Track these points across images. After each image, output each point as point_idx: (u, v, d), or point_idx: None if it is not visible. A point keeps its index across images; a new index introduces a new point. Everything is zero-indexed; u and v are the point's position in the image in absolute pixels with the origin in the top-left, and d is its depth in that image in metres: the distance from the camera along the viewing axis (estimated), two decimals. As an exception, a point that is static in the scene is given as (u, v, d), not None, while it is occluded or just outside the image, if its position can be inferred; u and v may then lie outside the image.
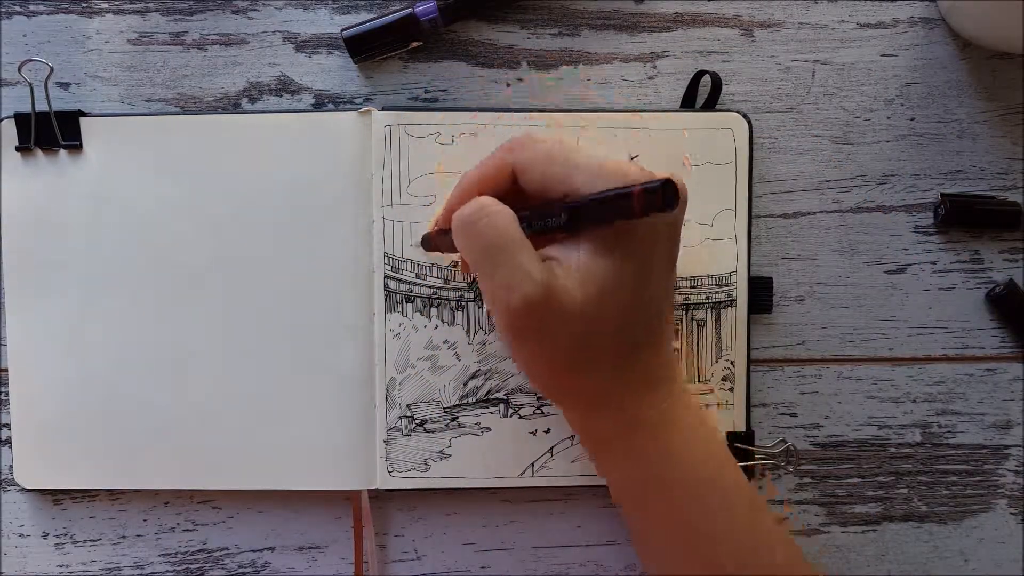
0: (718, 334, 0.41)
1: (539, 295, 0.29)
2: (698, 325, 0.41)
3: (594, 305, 0.30)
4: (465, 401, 0.40)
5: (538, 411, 0.40)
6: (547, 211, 0.30)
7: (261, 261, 0.40)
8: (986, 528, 0.43)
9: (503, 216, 0.30)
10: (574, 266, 0.30)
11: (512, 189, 0.32)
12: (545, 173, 0.31)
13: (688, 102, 0.41)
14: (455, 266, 0.40)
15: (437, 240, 0.37)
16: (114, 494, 0.42)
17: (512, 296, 0.29)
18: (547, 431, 0.40)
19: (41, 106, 0.39)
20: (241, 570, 0.42)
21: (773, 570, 0.33)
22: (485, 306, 0.38)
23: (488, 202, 0.30)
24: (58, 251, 0.40)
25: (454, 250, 0.36)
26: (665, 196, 0.27)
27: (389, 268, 0.40)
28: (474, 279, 0.40)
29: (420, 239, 0.39)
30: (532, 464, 0.40)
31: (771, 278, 0.41)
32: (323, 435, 0.40)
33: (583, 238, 0.30)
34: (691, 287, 0.40)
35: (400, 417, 0.40)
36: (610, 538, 0.42)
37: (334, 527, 0.42)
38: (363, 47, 0.40)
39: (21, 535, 0.42)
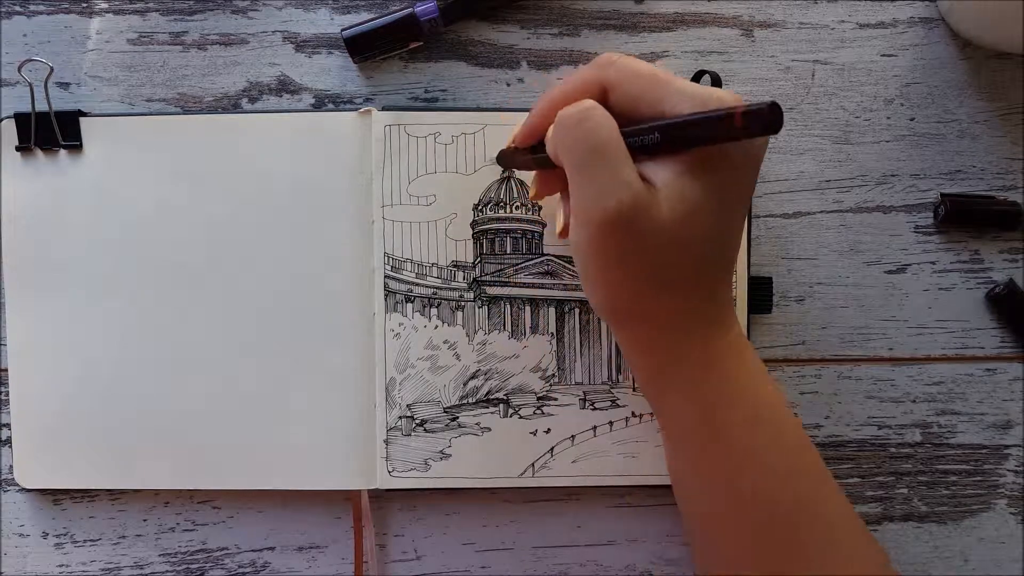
0: (718, 334, 0.41)
1: (634, 204, 0.28)
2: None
3: (680, 226, 0.29)
4: (465, 401, 0.40)
5: (538, 411, 0.40)
6: (642, 128, 0.29)
7: (261, 261, 0.40)
8: (986, 528, 0.43)
9: (608, 121, 0.29)
10: (664, 186, 0.29)
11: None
12: (638, 91, 0.30)
13: (688, 102, 0.41)
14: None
15: (514, 157, 0.36)
16: (114, 494, 0.42)
17: (608, 202, 0.28)
18: (547, 431, 0.40)
19: (41, 106, 0.39)
20: (241, 570, 0.42)
21: (821, 513, 0.32)
22: (559, 221, 0.35)
23: (594, 104, 0.29)
24: (58, 251, 0.40)
25: (529, 167, 0.35)
26: (771, 118, 0.26)
27: (389, 268, 0.40)
28: (474, 279, 0.40)
29: (495, 156, 0.39)
30: (532, 464, 0.40)
31: (771, 278, 0.41)
32: (323, 435, 0.40)
33: (673, 159, 0.29)
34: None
35: (400, 417, 0.40)
36: (610, 538, 0.42)
37: (334, 527, 0.42)
38: (363, 47, 0.40)
39: (21, 535, 0.42)
